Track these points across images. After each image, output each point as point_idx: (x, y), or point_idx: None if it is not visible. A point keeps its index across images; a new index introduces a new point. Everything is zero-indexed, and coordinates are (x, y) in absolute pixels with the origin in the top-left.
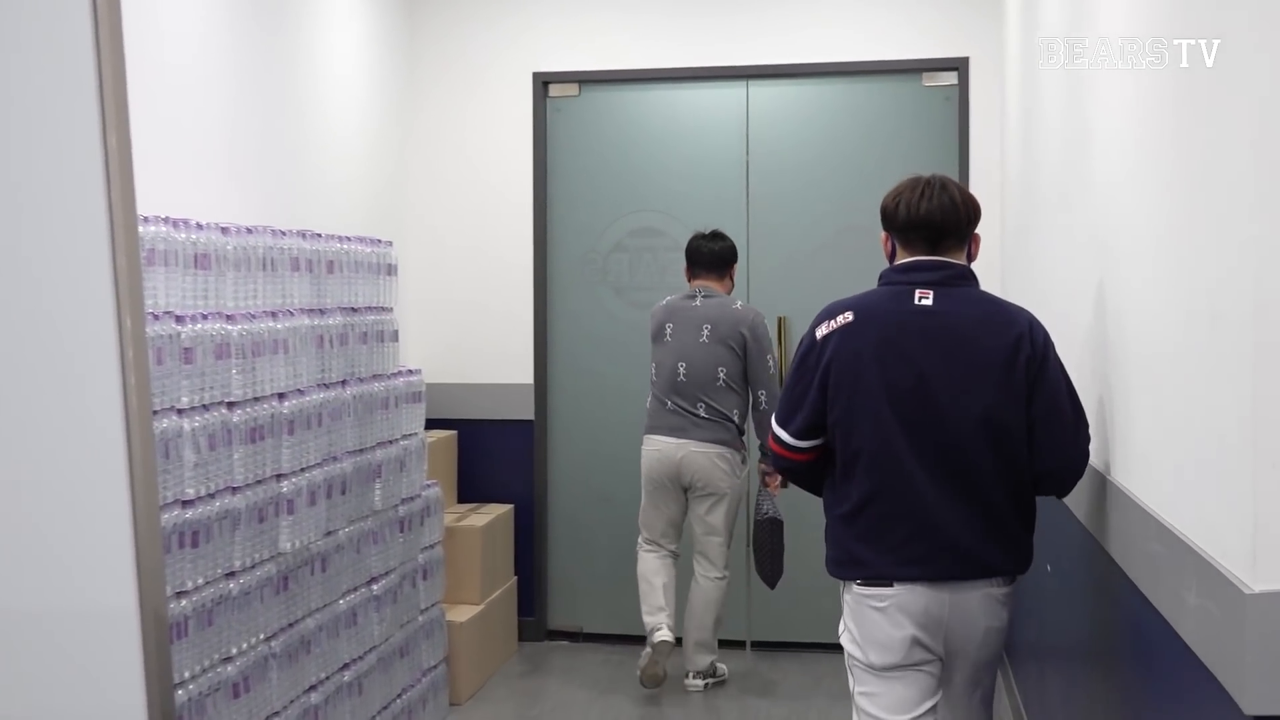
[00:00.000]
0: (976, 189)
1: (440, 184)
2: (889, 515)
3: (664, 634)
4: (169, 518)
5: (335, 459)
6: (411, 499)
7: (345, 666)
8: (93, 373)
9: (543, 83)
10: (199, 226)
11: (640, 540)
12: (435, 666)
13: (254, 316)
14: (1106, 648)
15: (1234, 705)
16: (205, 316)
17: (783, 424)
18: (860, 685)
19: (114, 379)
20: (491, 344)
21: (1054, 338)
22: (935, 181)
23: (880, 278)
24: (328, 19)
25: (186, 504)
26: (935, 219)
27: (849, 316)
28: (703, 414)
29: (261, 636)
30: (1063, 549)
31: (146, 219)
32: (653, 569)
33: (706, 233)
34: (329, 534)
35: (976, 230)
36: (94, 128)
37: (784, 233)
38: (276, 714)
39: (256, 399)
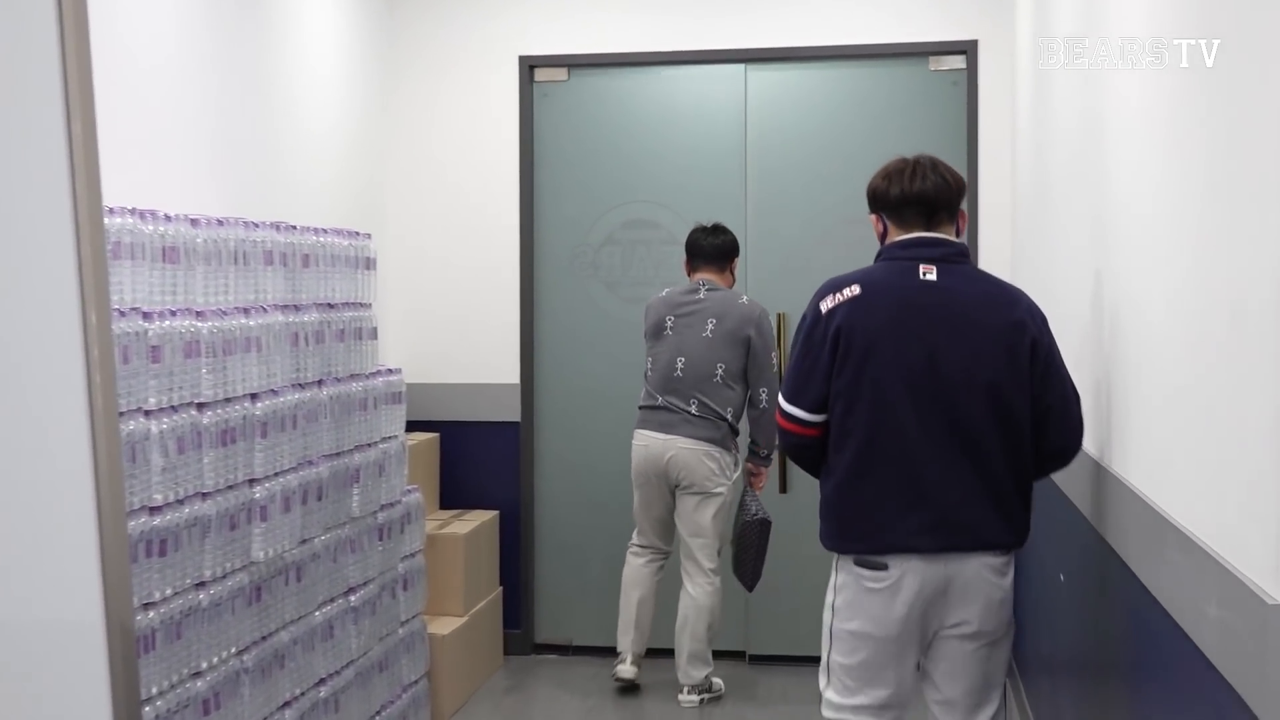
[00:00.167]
0: (985, 176)
1: (421, 175)
2: (889, 486)
3: (625, 669)
4: (135, 525)
5: (311, 463)
6: (391, 505)
7: (321, 682)
8: (56, 372)
9: (529, 66)
10: (167, 218)
11: (632, 538)
12: (416, 682)
13: (225, 313)
14: (1122, 661)
15: None
16: (174, 313)
17: (794, 400)
18: (838, 654)
19: (78, 378)
20: (476, 342)
21: (1064, 326)
22: (924, 160)
23: (880, 253)
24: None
25: (154, 510)
26: (929, 193)
27: (856, 290)
28: (695, 411)
29: (233, 650)
30: (1076, 557)
31: (112, 210)
32: (632, 580)
33: (708, 226)
34: (304, 542)
35: (962, 207)
36: (58, 114)
37: (784, 225)
38: None
39: (228, 400)
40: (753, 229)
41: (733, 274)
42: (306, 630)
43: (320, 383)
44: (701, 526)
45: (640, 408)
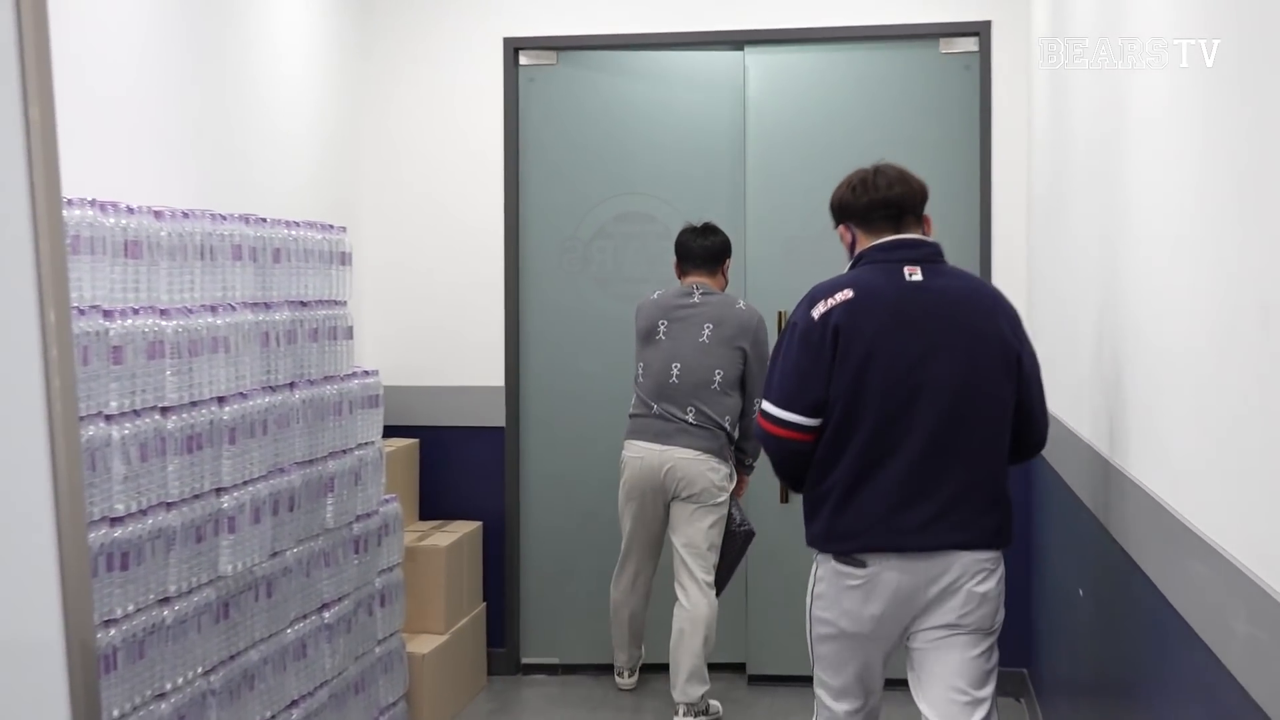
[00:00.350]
0: (998, 166)
1: (399, 165)
2: (889, 486)
3: (624, 681)
4: (96, 537)
5: (282, 471)
6: (368, 516)
7: (293, 704)
8: (12, 374)
9: (514, 50)
10: (129, 210)
11: (616, 568)
12: (394, 704)
13: (191, 311)
14: (1144, 679)
15: None
16: (136, 311)
17: (788, 405)
18: (815, 638)
19: (36, 381)
20: (458, 342)
21: (1078, 324)
22: (885, 167)
23: (860, 257)
24: None
25: (115, 521)
26: (896, 199)
27: (849, 294)
28: (692, 420)
29: (199, 670)
30: (1095, 571)
31: (71, 201)
32: (622, 600)
33: (698, 226)
34: (275, 555)
35: (926, 212)
36: (14, 100)
37: (785, 217)
38: None
39: (194, 403)
40: (753, 222)
41: (726, 276)
42: (278, 649)
43: (292, 385)
44: (698, 536)
45: (631, 416)
